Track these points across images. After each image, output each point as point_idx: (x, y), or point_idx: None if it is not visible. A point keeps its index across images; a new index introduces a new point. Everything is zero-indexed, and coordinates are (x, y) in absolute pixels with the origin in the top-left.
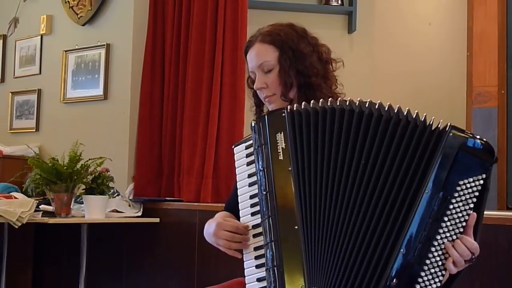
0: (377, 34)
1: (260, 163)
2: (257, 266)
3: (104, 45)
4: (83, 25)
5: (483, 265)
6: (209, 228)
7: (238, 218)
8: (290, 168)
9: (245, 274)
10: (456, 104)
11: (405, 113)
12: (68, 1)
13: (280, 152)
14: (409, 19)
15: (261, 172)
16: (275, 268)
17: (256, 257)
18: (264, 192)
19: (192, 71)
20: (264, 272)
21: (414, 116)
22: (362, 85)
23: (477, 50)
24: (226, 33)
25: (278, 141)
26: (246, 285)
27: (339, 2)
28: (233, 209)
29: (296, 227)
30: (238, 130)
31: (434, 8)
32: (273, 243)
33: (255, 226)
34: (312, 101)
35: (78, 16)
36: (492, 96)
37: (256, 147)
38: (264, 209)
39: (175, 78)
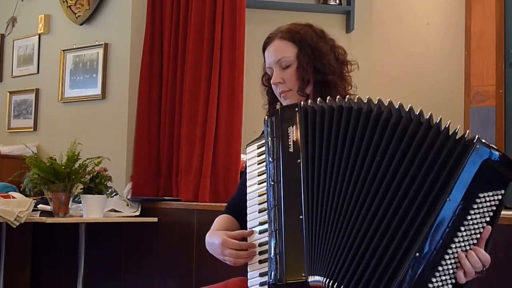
0: (375, 34)
1: (270, 154)
2: (260, 262)
3: (102, 44)
4: (81, 24)
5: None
6: (213, 244)
7: (241, 215)
8: (299, 161)
9: (248, 270)
10: (454, 103)
11: (426, 117)
12: (66, 1)
13: (290, 145)
14: (407, 19)
15: (271, 164)
16: (277, 256)
17: (260, 253)
18: (272, 183)
19: (190, 71)
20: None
21: (436, 122)
22: (360, 84)
23: (475, 50)
24: (224, 33)
25: (289, 134)
26: (248, 281)
27: (337, 1)
28: (237, 206)
29: (301, 217)
30: (236, 129)
31: (432, 8)
32: (276, 232)
33: (261, 223)
34: (328, 98)
35: (76, 16)
36: (490, 95)
37: (268, 140)
38: (271, 199)
39: (173, 78)
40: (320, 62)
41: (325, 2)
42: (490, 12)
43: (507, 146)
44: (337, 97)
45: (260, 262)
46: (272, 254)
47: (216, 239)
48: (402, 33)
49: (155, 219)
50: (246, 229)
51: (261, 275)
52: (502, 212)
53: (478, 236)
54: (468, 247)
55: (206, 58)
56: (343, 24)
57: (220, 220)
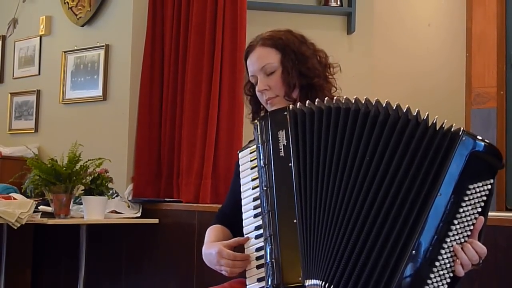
0: (376, 35)
1: (261, 159)
2: (258, 267)
3: (103, 46)
4: (82, 26)
5: (482, 265)
6: (210, 255)
7: (233, 226)
8: (290, 164)
9: (246, 275)
10: (455, 104)
11: (414, 114)
12: (67, 2)
13: (281, 149)
14: (408, 20)
15: (262, 169)
16: (273, 261)
17: (257, 258)
18: (265, 188)
19: (191, 72)
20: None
21: (424, 118)
22: (361, 86)
23: (476, 51)
24: (225, 34)
25: (280, 138)
26: (247, 286)
27: (338, 3)
28: (229, 218)
29: (295, 221)
30: (237, 131)
31: (433, 9)
32: (271, 237)
33: (257, 227)
34: (316, 99)
35: (77, 17)
36: (491, 97)
37: (259, 145)
38: (264, 204)
39: (174, 79)
40: (304, 66)
41: (326, 4)
42: (491, 13)
43: (508, 147)
44: (325, 98)
45: (258, 267)
46: (268, 259)
47: (213, 249)
48: (403, 35)
49: (156, 221)
50: (240, 236)
51: (259, 280)
52: (503, 214)
53: (472, 227)
54: (462, 240)
55: (207, 60)
56: (344, 26)
57: (213, 231)
